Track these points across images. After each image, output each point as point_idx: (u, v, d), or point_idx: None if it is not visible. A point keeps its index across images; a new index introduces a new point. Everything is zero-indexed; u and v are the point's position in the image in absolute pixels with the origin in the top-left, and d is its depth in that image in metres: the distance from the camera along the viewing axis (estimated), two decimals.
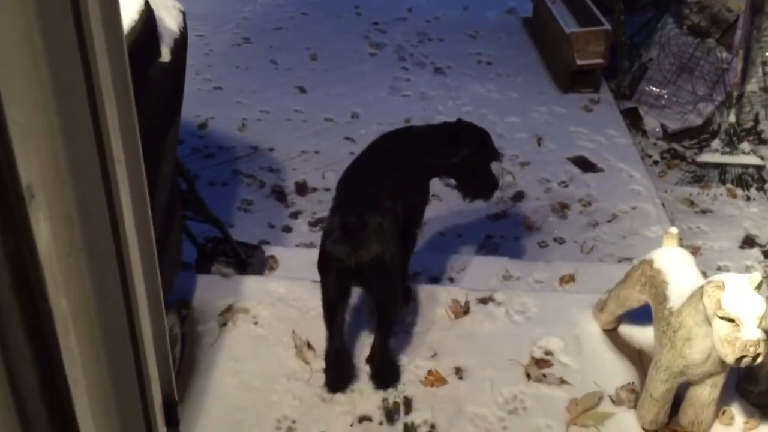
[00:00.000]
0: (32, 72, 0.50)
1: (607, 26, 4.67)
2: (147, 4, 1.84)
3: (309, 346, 2.49)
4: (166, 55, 1.98)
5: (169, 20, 2.07)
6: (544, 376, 2.43)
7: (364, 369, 2.42)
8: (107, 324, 0.59)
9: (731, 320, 1.84)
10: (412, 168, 2.54)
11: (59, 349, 0.52)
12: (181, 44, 2.10)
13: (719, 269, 3.46)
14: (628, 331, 2.59)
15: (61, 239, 0.52)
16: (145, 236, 0.65)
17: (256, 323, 2.59)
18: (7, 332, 0.50)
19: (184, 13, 2.20)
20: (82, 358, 0.56)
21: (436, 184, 3.82)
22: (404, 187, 2.44)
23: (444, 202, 3.72)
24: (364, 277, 2.24)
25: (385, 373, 2.38)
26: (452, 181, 3.88)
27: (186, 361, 2.43)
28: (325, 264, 2.25)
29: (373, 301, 2.36)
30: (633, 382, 2.39)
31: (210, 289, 2.70)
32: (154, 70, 1.92)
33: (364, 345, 2.51)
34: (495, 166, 2.82)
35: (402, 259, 2.46)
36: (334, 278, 2.23)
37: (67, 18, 0.51)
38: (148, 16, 1.83)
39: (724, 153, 4.12)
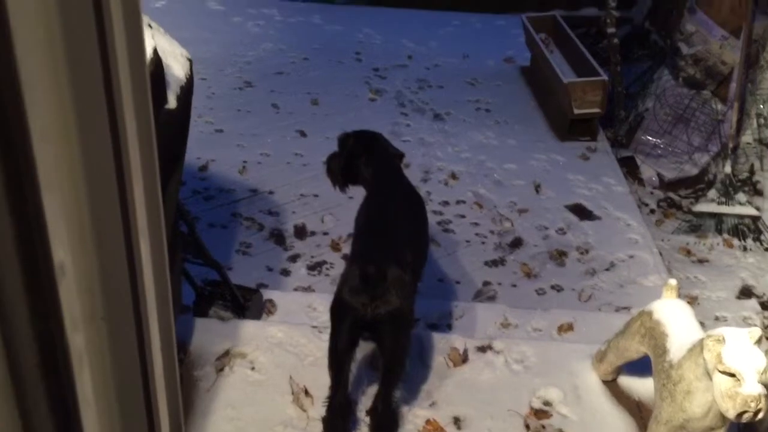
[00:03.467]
0: (65, 150, 0.51)
1: (604, 76, 4.75)
2: (155, 52, 1.87)
3: (306, 393, 2.47)
4: (172, 102, 2.00)
5: (177, 68, 2.10)
6: (543, 427, 2.41)
7: (362, 418, 2.40)
8: (124, 396, 0.59)
9: (732, 375, 1.84)
10: (420, 217, 2.62)
11: (80, 418, 0.52)
12: (187, 91, 2.13)
13: (716, 319, 3.46)
14: (627, 382, 2.58)
15: (85, 310, 0.53)
16: (164, 303, 0.66)
17: (253, 368, 2.57)
18: (32, 412, 0.50)
19: (191, 61, 2.23)
20: (100, 425, 0.56)
21: (434, 230, 3.85)
22: (416, 237, 2.49)
23: (442, 248, 3.73)
24: (378, 329, 2.21)
25: (385, 427, 2.35)
26: (451, 227, 3.91)
27: (182, 406, 2.41)
28: (340, 312, 2.22)
29: (382, 353, 2.31)
30: None
31: (207, 333, 2.69)
32: (160, 116, 1.95)
33: (362, 393, 2.49)
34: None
35: None
36: (347, 328, 2.20)
37: (100, 96, 0.53)
38: (156, 65, 1.86)
39: (720, 203, 4.15)
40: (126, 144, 0.54)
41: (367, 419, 2.36)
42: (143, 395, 0.60)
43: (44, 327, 0.48)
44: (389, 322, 2.17)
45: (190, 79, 2.19)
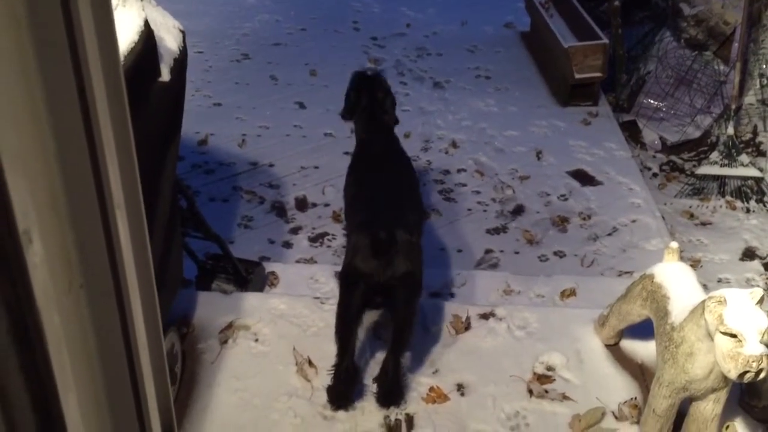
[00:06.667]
0: (30, 116, 0.50)
1: (605, 40, 4.69)
2: (147, 24, 1.85)
3: (310, 363, 2.48)
4: (165, 75, 1.98)
5: (169, 40, 2.08)
6: (546, 392, 2.42)
7: (366, 386, 2.41)
8: (106, 361, 0.59)
9: (733, 336, 1.84)
10: (408, 171, 2.64)
11: (57, 392, 0.52)
12: (180, 64, 2.11)
13: (719, 282, 3.46)
14: (630, 345, 2.58)
15: (59, 277, 0.52)
16: (145, 273, 0.65)
17: (256, 340, 2.58)
18: (5, 378, 0.50)
19: (183, 33, 2.21)
20: (79, 397, 0.56)
21: (435, 199, 3.84)
22: (410, 194, 2.50)
23: (443, 217, 3.72)
24: (389, 294, 2.23)
25: (393, 393, 2.37)
26: (452, 195, 3.90)
27: (186, 378, 2.42)
28: (351, 279, 2.23)
29: (392, 318, 2.34)
30: (635, 398, 2.38)
31: (210, 306, 2.70)
32: (154, 89, 1.93)
33: (366, 362, 2.50)
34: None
35: None
36: (359, 294, 2.22)
37: (67, 69, 0.51)
38: (147, 37, 1.84)
39: (722, 165, 4.13)
40: (96, 113, 0.53)
41: (373, 387, 2.38)
42: (128, 367, 0.60)
43: (12, 295, 0.47)
44: (401, 286, 2.19)
45: (183, 52, 2.16)
